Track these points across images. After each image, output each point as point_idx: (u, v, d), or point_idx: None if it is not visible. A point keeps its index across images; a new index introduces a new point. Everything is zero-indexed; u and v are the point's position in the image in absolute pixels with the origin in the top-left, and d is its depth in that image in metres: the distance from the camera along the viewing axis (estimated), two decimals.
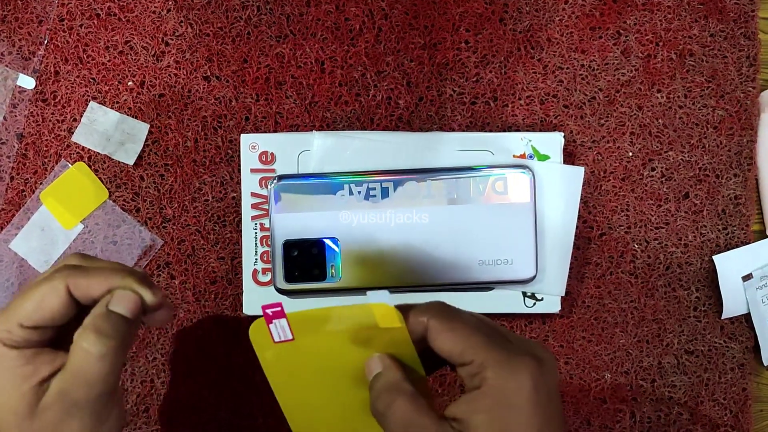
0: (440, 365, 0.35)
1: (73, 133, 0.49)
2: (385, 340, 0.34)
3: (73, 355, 0.34)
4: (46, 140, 0.49)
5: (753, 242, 0.51)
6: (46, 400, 0.33)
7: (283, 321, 0.34)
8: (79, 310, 0.35)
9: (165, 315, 0.37)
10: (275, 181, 0.47)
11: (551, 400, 0.32)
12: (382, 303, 0.34)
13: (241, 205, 0.48)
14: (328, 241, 0.47)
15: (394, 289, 0.47)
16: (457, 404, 0.32)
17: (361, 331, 0.34)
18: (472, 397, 0.32)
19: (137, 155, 0.49)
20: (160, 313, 0.37)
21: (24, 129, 0.49)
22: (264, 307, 0.34)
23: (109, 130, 0.50)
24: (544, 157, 0.49)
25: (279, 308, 0.34)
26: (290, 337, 0.35)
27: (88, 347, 0.33)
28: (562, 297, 0.49)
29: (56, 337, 0.36)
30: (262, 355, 0.35)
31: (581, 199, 0.49)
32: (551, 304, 0.49)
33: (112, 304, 0.34)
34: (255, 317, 0.50)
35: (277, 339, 0.35)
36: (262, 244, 0.48)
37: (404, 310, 0.34)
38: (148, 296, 0.35)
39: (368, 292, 0.34)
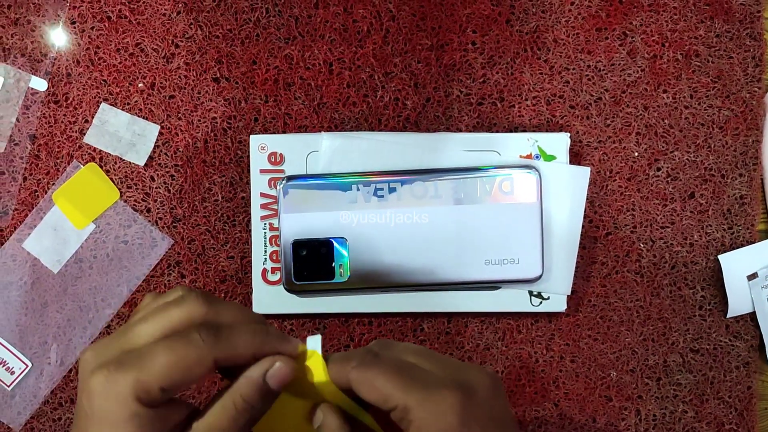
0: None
1: (84, 134, 0.50)
2: (326, 391, 0.34)
3: (213, 417, 0.32)
4: (58, 141, 0.50)
5: (758, 242, 0.51)
6: None
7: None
8: None
9: (283, 372, 0.35)
10: (284, 181, 0.47)
11: (487, 425, 0.31)
12: (317, 354, 0.33)
13: (250, 205, 0.49)
14: (336, 241, 0.47)
15: (401, 288, 0.48)
16: None
17: (299, 383, 0.34)
18: None
19: (148, 156, 0.50)
20: (281, 370, 0.35)
21: (36, 130, 0.50)
22: None
23: (120, 131, 0.50)
24: (550, 158, 0.49)
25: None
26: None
27: (230, 416, 0.32)
28: (568, 296, 0.49)
29: None
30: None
31: (587, 199, 0.50)
32: (557, 303, 0.49)
33: (270, 377, 0.33)
34: (265, 315, 0.50)
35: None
36: (271, 244, 0.49)
37: (331, 362, 0.33)
38: (290, 366, 0.33)
39: (308, 338, 0.34)
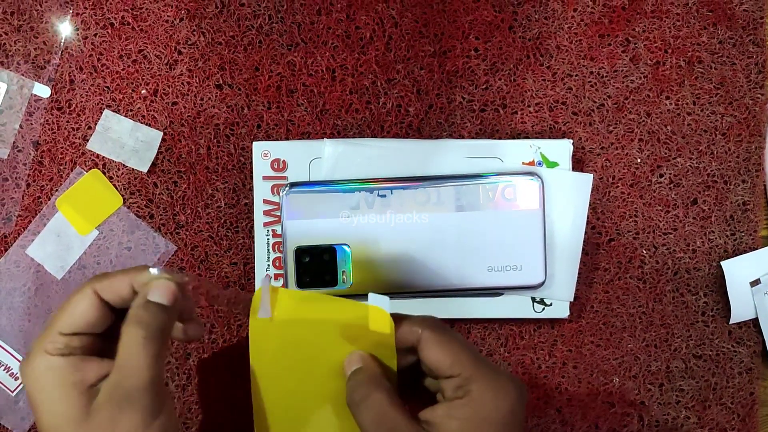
0: (411, 380, 0.37)
1: (87, 140, 0.50)
2: (370, 342, 0.36)
3: (120, 349, 0.35)
4: (62, 148, 0.50)
5: (761, 248, 0.51)
6: (97, 401, 0.34)
7: (267, 298, 0.35)
8: (117, 318, 0.37)
9: (197, 330, 0.40)
10: (287, 188, 0.47)
11: (520, 427, 0.34)
12: (379, 307, 0.35)
13: (253, 212, 0.49)
14: (339, 248, 0.47)
15: (404, 294, 0.48)
16: (433, 409, 0.34)
17: (350, 327, 0.36)
18: (453, 405, 0.34)
19: (151, 162, 0.50)
20: (192, 328, 0.39)
21: (40, 137, 0.50)
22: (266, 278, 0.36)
23: (123, 137, 0.50)
24: (552, 164, 0.49)
25: (268, 283, 0.35)
26: (268, 315, 0.35)
27: (130, 336, 0.34)
28: (570, 302, 0.49)
29: (103, 347, 0.37)
30: (252, 324, 0.36)
31: (590, 205, 0.50)
32: (560, 310, 0.49)
33: (150, 294, 0.36)
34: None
35: (260, 314, 0.36)
36: (274, 250, 0.49)
37: (397, 319, 0.36)
38: (180, 278, 0.37)
39: (371, 294, 0.35)
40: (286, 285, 0.48)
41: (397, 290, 0.48)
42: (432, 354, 0.35)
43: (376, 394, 0.34)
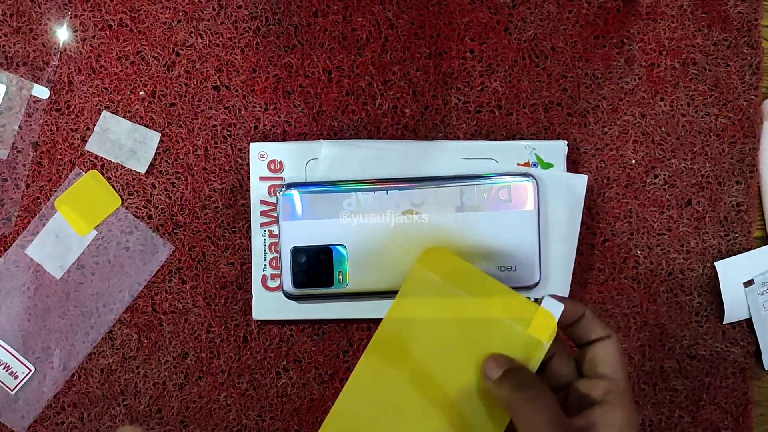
0: None
1: (86, 141, 0.51)
2: (518, 345, 0.36)
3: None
4: (60, 149, 0.51)
5: (755, 248, 0.52)
6: None
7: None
8: None
9: None
10: (284, 189, 0.48)
11: None
12: (548, 312, 0.36)
13: (250, 213, 0.50)
14: (335, 248, 0.48)
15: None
16: (591, 411, 0.35)
17: (501, 323, 0.36)
18: (608, 409, 0.35)
19: (149, 163, 0.51)
20: None
21: (39, 138, 0.51)
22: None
23: (121, 138, 0.51)
24: (547, 165, 0.49)
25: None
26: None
27: None
28: None
29: None
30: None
31: (585, 206, 0.50)
32: (554, 310, 0.49)
33: None
34: (264, 321, 0.51)
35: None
36: (271, 251, 0.49)
37: (576, 308, 0.37)
38: None
39: (546, 297, 0.36)
40: (282, 285, 0.48)
41: (393, 290, 0.48)
42: (611, 353, 0.36)
43: (545, 396, 0.34)
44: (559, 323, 0.37)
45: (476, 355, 0.36)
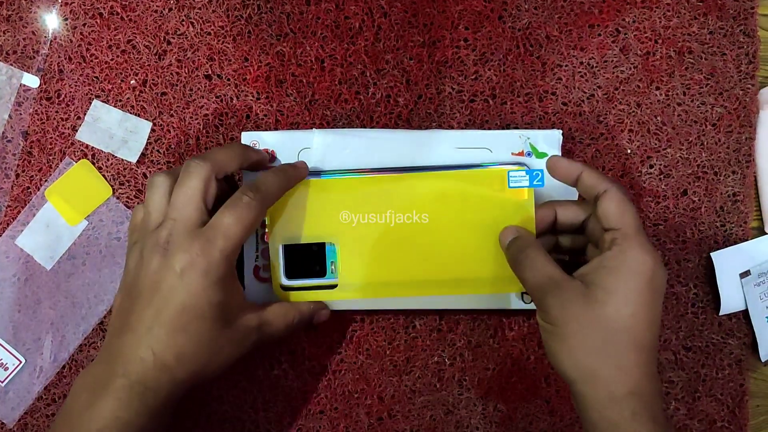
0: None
1: (77, 131, 0.50)
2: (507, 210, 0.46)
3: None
4: (51, 138, 0.50)
5: (751, 239, 0.51)
6: None
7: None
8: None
9: (325, 314, 0.48)
10: None
11: (661, 291, 0.40)
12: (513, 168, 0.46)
13: None
14: (328, 239, 0.47)
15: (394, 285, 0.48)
16: (588, 264, 0.40)
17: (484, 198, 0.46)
18: (605, 256, 0.39)
19: (140, 153, 0.50)
20: (324, 313, 0.47)
21: (29, 127, 0.50)
22: None
23: (112, 128, 0.50)
24: (542, 155, 0.49)
25: None
26: None
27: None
28: None
29: None
30: None
31: (579, 196, 0.49)
32: None
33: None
34: None
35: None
36: (263, 241, 0.49)
37: (591, 171, 0.43)
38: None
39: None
40: (274, 276, 0.48)
41: (386, 281, 0.48)
42: (611, 205, 0.40)
43: (534, 253, 0.41)
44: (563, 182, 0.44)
45: (479, 223, 0.46)
